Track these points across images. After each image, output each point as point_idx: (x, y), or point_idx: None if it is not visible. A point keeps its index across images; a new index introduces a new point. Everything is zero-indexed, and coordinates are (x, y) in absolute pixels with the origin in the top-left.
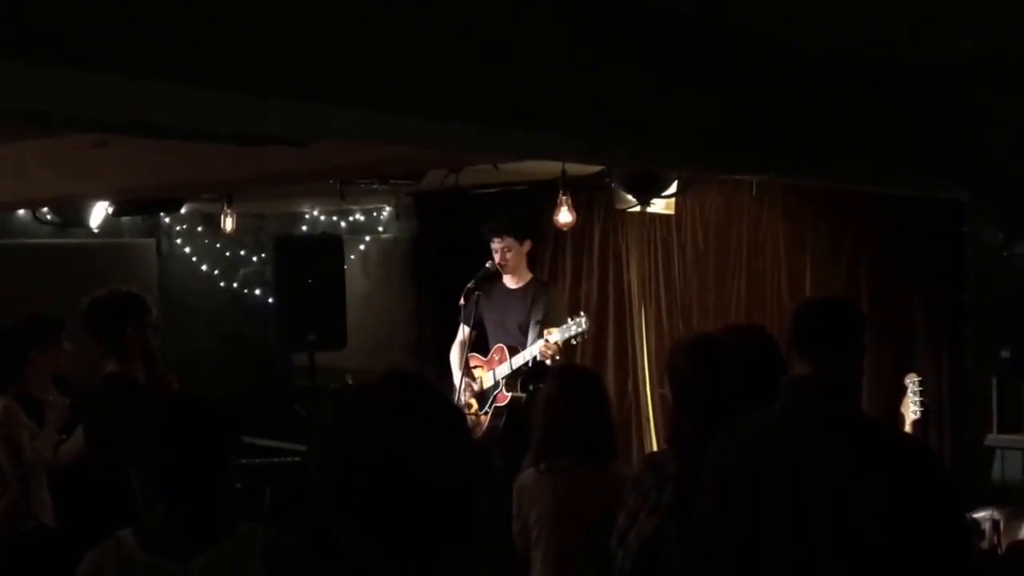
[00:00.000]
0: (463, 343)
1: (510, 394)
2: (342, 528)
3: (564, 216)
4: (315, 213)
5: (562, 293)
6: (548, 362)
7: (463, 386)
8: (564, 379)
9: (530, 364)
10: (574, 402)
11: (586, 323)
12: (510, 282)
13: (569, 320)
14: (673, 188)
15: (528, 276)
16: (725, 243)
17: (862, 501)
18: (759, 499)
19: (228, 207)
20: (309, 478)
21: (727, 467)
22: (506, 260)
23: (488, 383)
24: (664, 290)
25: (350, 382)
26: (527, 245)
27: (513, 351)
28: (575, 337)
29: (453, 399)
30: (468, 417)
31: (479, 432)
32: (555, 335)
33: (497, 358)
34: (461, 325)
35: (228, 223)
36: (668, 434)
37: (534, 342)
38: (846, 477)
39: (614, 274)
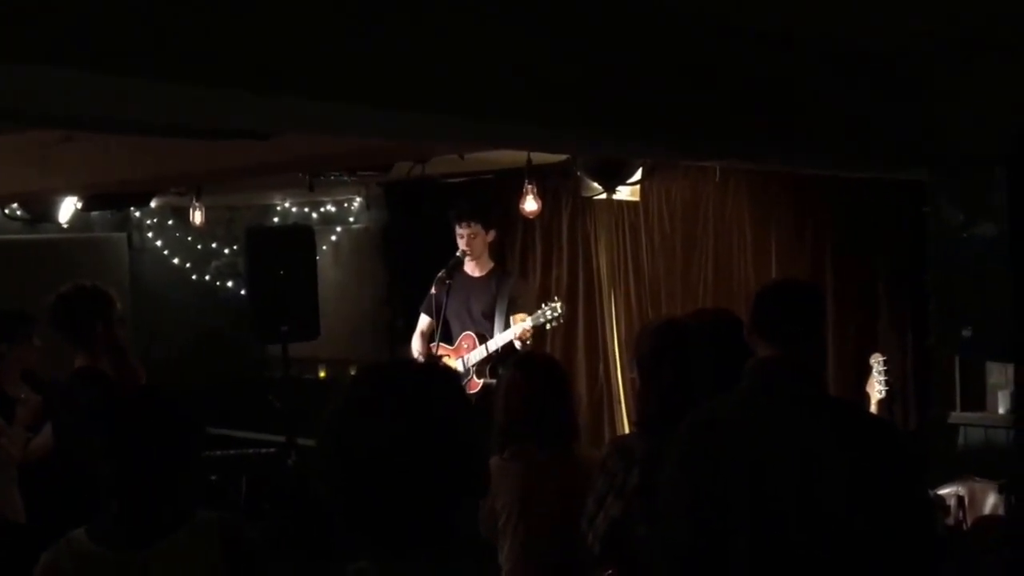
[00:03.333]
0: (423, 333)
1: (481, 381)
2: (340, 511)
3: (530, 204)
4: (286, 205)
5: (529, 280)
6: (518, 346)
7: None
8: (522, 366)
9: (499, 350)
10: (533, 388)
11: (561, 308)
12: (474, 270)
13: (543, 305)
14: (638, 175)
15: (491, 264)
16: (691, 228)
17: (829, 481)
18: (724, 481)
19: (197, 200)
20: (315, 464)
21: (692, 449)
22: (472, 247)
23: (459, 371)
24: (633, 275)
25: (323, 374)
26: (492, 234)
27: (482, 339)
28: (551, 322)
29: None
30: None
31: None
32: (530, 320)
33: (465, 346)
34: (422, 315)
35: (198, 216)
36: (635, 417)
37: (503, 329)
38: (813, 457)
39: (583, 260)
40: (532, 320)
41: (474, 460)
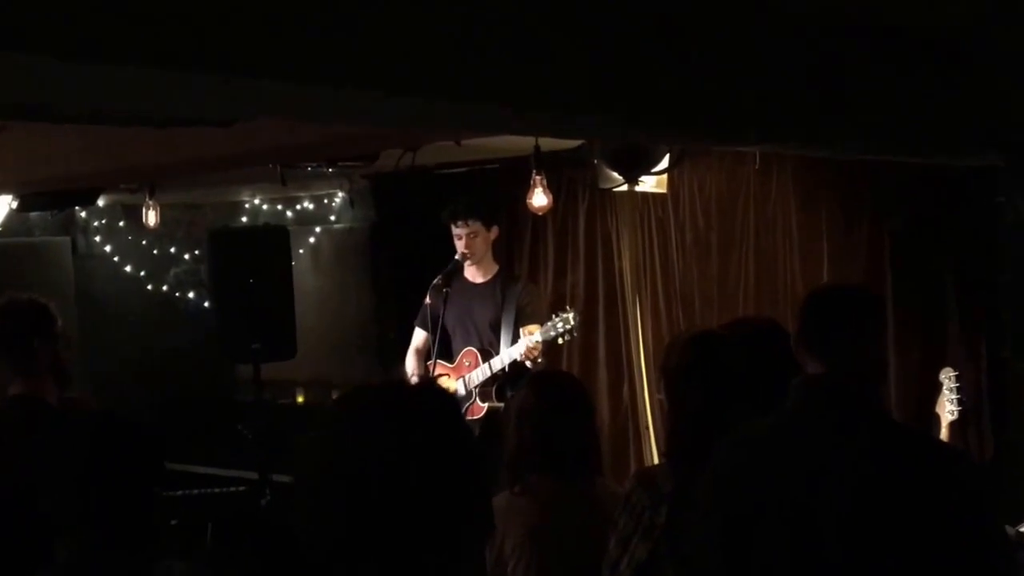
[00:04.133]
0: (419, 350)
1: (486, 404)
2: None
3: (539, 198)
4: (256, 202)
5: (540, 286)
6: (529, 364)
7: None
8: (537, 386)
9: (507, 368)
10: (549, 412)
11: (575, 319)
12: (475, 275)
13: (554, 316)
14: (664, 163)
15: (495, 268)
16: (729, 224)
17: (883, 521)
18: (762, 518)
19: (151, 198)
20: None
21: (727, 482)
22: (472, 248)
23: (459, 393)
24: (661, 279)
25: (301, 399)
26: (494, 232)
27: (486, 355)
28: (562, 335)
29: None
30: None
31: None
32: (538, 334)
33: (467, 363)
34: (416, 329)
35: (152, 217)
36: (664, 446)
37: (511, 343)
38: (865, 493)
39: (603, 263)
40: (541, 334)
41: (474, 492)
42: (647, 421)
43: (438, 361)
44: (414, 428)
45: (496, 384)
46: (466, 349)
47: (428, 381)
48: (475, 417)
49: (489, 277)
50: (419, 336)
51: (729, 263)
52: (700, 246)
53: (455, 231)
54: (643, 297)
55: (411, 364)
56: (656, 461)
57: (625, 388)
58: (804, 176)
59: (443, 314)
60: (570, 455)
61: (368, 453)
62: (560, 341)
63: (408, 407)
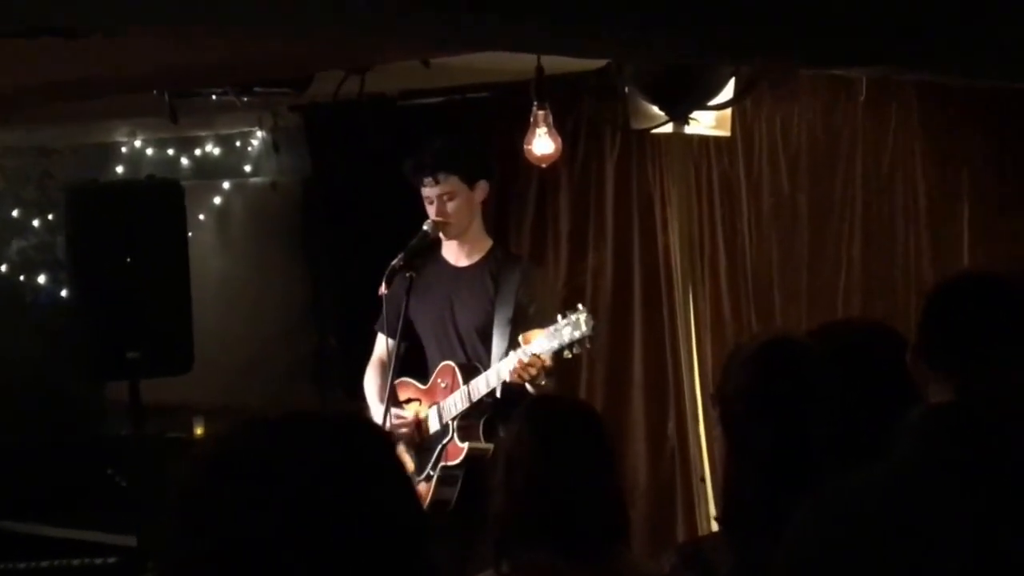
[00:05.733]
0: (383, 363)
1: (466, 444)
2: None
3: (542, 144)
4: (137, 144)
5: (549, 271)
6: (530, 388)
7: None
8: (535, 421)
9: (498, 393)
10: (551, 458)
11: (588, 321)
12: (456, 255)
13: (560, 318)
14: (727, 93)
15: (486, 244)
16: (825, 181)
17: None
18: None
19: None
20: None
21: (809, 565)
22: (447, 215)
23: (432, 426)
24: (726, 262)
25: (200, 432)
26: (481, 191)
27: (469, 373)
28: (571, 346)
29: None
30: None
31: None
32: (536, 343)
33: (443, 384)
34: (379, 335)
35: None
36: (720, 508)
37: (504, 355)
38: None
39: (642, 238)
40: (540, 343)
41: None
42: (703, 470)
43: (404, 380)
44: (322, 487)
45: (484, 416)
46: (443, 364)
47: (350, 414)
48: (452, 462)
49: (477, 258)
50: (382, 345)
51: (824, 239)
52: (783, 214)
53: (424, 191)
54: (699, 288)
55: (371, 387)
56: (713, 527)
57: (671, 423)
58: (935, 114)
59: (408, 310)
60: (581, 521)
61: (250, 524)
62: (568, 354)
63: (315, 454)
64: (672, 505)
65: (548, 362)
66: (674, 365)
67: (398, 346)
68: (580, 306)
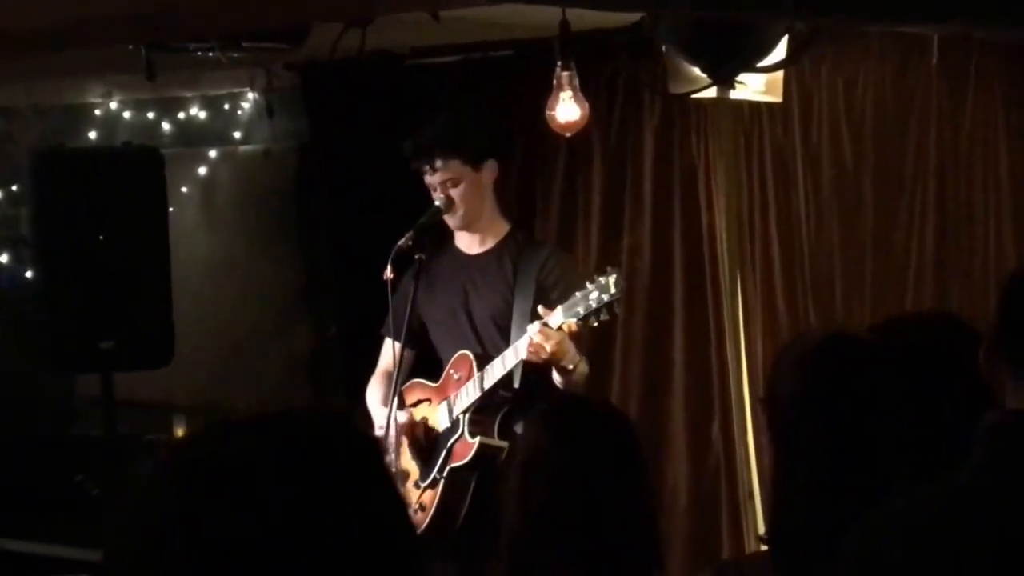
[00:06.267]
0: (389, 374)
1: (477, 439)
2: None
3: (566, 110)
4: (113, 106)
5: (578, 257)
6: (557, 378)
7: (392, 438)
8: (554, 420)
9: (516, 383)
10: (573, 465)
11: (618, 283)
12: (470, 241)
13: (588, 284)
14: (779, 53)
15: (503, 228)
16: (893, 155)
17: None
18: None
19: None
20: None
21: None
22: (452, 202)
23: (441, 424)
24: (780, 246)
25: (181, 432)
26: (489, 172)
27: (484, 359)
28: (600, 311)
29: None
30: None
31: (419, 519)
32: (558, 315)
33: (457, 376)
34: (386, 341)
35: None
36: (767, 526)
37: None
38: None
39: (683, 219)
40: (566, 309)
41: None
42: (751, 484)
43: (414, 382)
44: (293, 499)
45: (501, 411)
46: (459, 354)
47: (329, 414)
48: (461, 462)
49: (493, 244)
50: (389, 353)
51: (892, 221)
52: (845, 192)
53: (425, 179)
54: (749, 276)
55: (375, 395)
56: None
57: (715, 427)
58: (1020, 80)
59: (417, 300)
60: (608, 542)
61: (212, 537)
62: (595, 322)
63: (284, 462)
64: (716, 524)
65: (574, 330)
66: (719, 364)
67: (405, 356)
68: (609, 267)
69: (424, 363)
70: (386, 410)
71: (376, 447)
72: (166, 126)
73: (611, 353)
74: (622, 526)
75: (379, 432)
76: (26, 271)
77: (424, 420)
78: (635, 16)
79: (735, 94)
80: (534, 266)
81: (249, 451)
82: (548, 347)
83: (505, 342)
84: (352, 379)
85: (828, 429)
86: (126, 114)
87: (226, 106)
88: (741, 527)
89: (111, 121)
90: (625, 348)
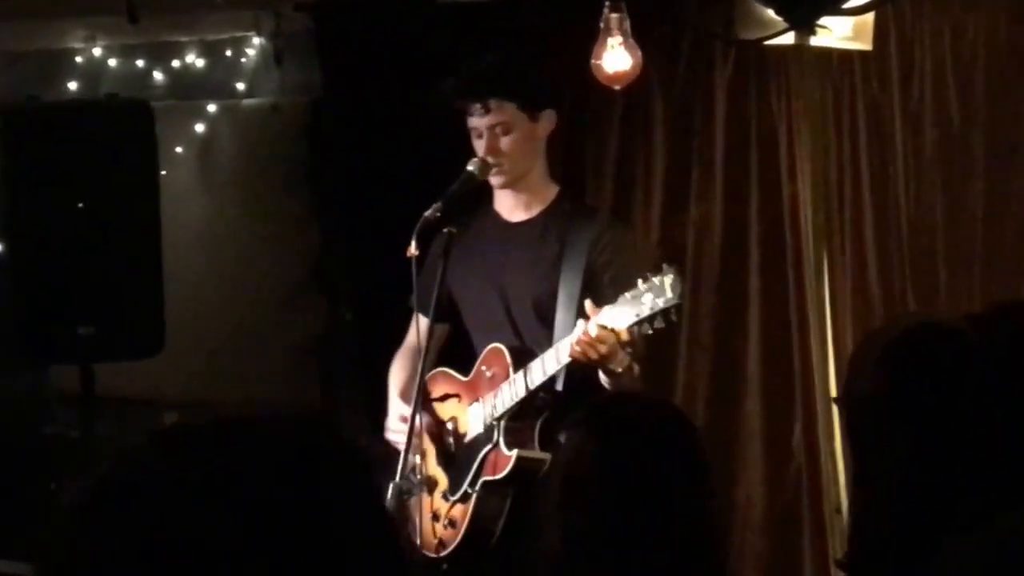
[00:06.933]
0: (415, 349)
1: (515, 452)
2: None
3: (615, 59)
4: (96, 53)
5: (637, 229)
6: (604, 380)
7: (414, 438)
8: (607, 430)
9: (559, 385)
10: (622, 483)
11: (676, 285)
12: (511, 207)
13: (640, 282)
14: None
15: (550, 192)
16: (1008, 113)
17: None
18: None
19: None
20: None
21: None
22: (500, 154)
23: (472, 429)
24: (874, 219)
25: (172, 423)
26: (547, 122)
27: (524, 358)
28: (654, 319)
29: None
30: (410, 508)
31: (448, 536)
32: (608, 312)
33: (490, 374)
34: (415, 314)
35: None
36: (845, 545)
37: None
38: None
39: (762, 187)
40: (612, 312)
41: None
42: (838, 499)
43: (441, 371)
44: (251, 521)
45: (541, 417)
46: (490, 347)
47: (306, 418)
48: (496, 476)
49: (538, 211)
50: (417, 324)
51: (1006, 189)
52: (951, 155)
53: (470, 121)
54: (837, 254)
55: (396, 380)
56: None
57: (797, 434)
58: None
59: (446, 279)
60: (663, 564)
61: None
62: (648, 328)
63: (243, 476)
64: (797, 546)
65: (625, 337)
66: (802, 357)
67: (435, 332)
68: (665, 265)
69: (454, 345)
70: (403, 402)
71: (361, 461)
72: (158, 76)
73: (674, 346)
74: (682, 550)
75: (394, 431)
76: None
77: (453, 420)
78: None
79: (817, 41)
80: (584, 241)
81: (195, 464)
82: (594, 353)
83: (547, 331)
84: (369, 370)
85: (910, 434)
86: (111, 62)
87: (227, 53)
88: (826, 549)
89: (93, 70)
90: (691, 340)
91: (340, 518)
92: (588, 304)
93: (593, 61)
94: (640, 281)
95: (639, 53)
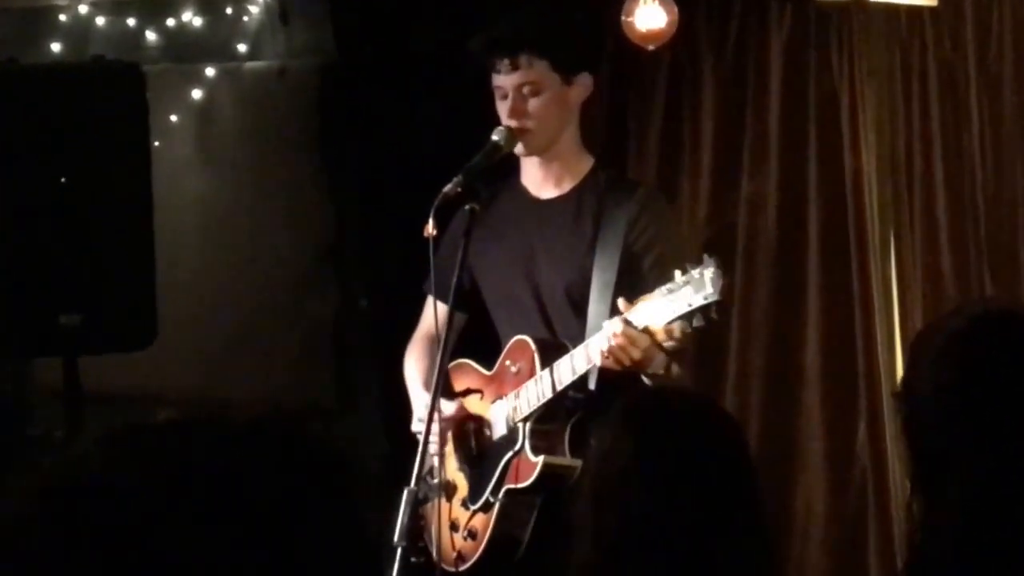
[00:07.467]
0: (431, 339)
1: (540, 459)
2: None
3: (648, 15)
4: (82, 10)
5: (680, 206)
6: (646, 380)
7: (431, 438)
8: (642, 431)
9: (591, 384)
10: (666, 489)
11: (716, 280)
12: (540, 181)
13: (678, 275)
14: None
15: (584, 165)
16: None
17: None
18: None
19: None
20: None
21: None
22: (527, 118)
23: (495, 429)
24: (946, 195)
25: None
26: (582, 87)
27: (553, 352)
28: (693, 316)
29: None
30: (426, 516)
31: (469, 548)
32: (641, 309)
33: (515, 369)
34: (428, 299)
35: None
36: (904, 557)
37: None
38: None
39: (821, 160)
40: (646, 309)
41: None
42: (902, 493)
43: (462, 362)
44: (215, 536)
45: (572, 418)
46: (515, 340)
47: (286, 421)
48: (520, 484)
49: (570, 187)
50: (431, 313)
51: None
52: None
53: (496, 79)
54: (906, 234)
55: (413, 371)
56: None
57: (861, 433)
58: None
59: (468, 261)
60: None
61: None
62: (688, 328)
63: (206, 485)
64: (861, 557)
65: (661, 338)
66: (866, 348)
67: (454, 319)
68: (706, 256)
69: (474, 332)
70: (426, 396)
71: (342, 474)
72: (151, 36)
73: (725, 338)
74: (728, 563)
75: (423, 422)
76: None
77: (474, 419)
78: None
79: None
80: (621, 221)
81: (154, 471)
82: (627, 359)
83: (580, 321)
84: (385, 361)
85: (974, 435)
86: (99, 20)
87: (228, 10)
88: (894, 559)
89: (79, 29)
90: (743, 331)
91: (320, 532)
92: (621, 301)
93: (624, 18)
94: (678, 273)
95: (675, 9)
